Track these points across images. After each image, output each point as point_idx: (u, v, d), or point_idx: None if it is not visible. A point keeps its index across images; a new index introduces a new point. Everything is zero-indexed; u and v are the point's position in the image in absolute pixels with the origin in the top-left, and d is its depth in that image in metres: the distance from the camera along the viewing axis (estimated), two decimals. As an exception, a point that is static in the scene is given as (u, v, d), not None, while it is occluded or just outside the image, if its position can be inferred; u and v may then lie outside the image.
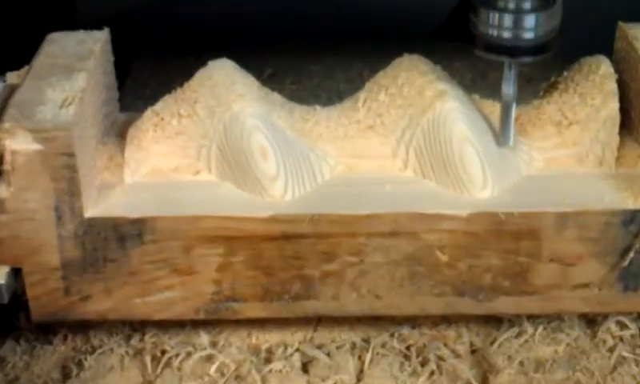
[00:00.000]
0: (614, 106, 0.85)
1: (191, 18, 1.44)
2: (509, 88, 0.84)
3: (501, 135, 0.86)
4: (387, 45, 1.17)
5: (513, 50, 0.80)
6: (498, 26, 0.80)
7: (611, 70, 0.87)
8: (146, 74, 1.34)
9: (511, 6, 0.79)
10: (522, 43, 0.80)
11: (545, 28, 0.80)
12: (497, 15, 0.79)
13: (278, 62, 1.37)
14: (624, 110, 0.87)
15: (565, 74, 0.90)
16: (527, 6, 0.79)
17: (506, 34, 0.80)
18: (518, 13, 0.79)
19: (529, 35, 0.80)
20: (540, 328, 0.94)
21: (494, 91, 1.28)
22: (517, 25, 0.79)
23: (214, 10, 1.44)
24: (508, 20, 0.79)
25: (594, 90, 0.87)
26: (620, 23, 0.92)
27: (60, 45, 0.90)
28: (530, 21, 0.79)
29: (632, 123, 0.89)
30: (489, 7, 0.80)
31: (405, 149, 0.86)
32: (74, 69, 0.85)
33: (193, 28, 1.44)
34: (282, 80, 1.34)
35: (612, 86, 0.86)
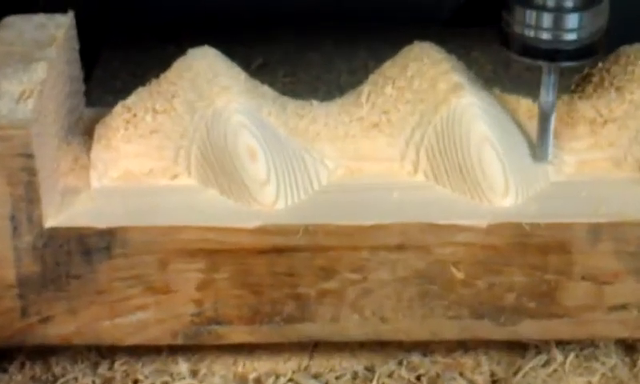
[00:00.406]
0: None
1: (171, 1, 1.45)
2: (547, 96, 0.84)
3: (537, 148, 0.86)
4: (396, 31, 1.18)
5: (552, 53, 0.81)
6: (536, 26, 0.80)
7: (653, 60, 0.88)
8: (116, 64, 1.35)
9: (551, 3, 0.79)
10: (563, 46, 0.80)
11: (589, 29, 0.80)
12: (534, 14, 0.80)
13: (269, 51, 1.38)
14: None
15: (600, 65, 0.91)
16: (569, 3, 0.79)
17: (545, 36, 0.80)
18: (559, 11, 0.80)
19: (571, 37, 0.80)
20: (571, 356, 0.95)
21: (517, 85, 1.30)
22: (557, 25, 0.80)
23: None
24: (547, 19, 0.80)
25: (632, 84, 0.87)
26: None
27: (17, 30, 0.90)
28: (572, 21, 0.80)
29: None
30: (525, 5, 0.80)
31: (415, 150, 0.87)
32: (32, 58, 0.85)
33: (172, 12, 1.44)
34: (274, 71, 1.35)
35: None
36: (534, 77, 1.31)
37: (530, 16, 0.80)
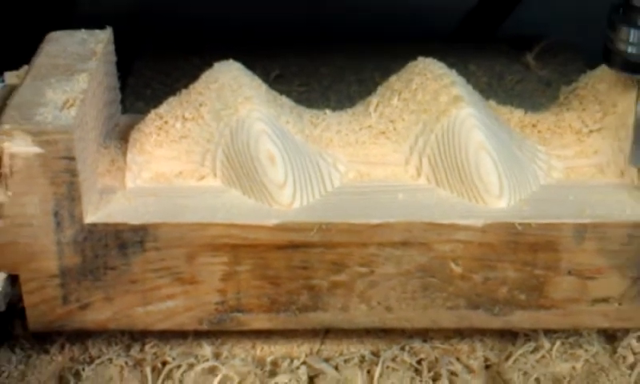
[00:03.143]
0: (637, 113, 0.86)
1: (195, 17, 1.45)
2: None
3: (631, 156, 0.85)
4: (400, 46, 1.18)
5: None
6: (638, 44, 0.80)
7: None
8: (147, 73, 1.35)
9: None
10: None
11: None
12: (637, 33, 0.79)
13: (285, 63, 1.37)
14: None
15: (585, 80, 0.91)
16: None
17: None
18: None
19: None
20: (557, 343, 0.94)
21: (510, 95, 1.30)
22: None
23: (218, 8, 1.44)
24: None
25: (615, 97, 0.87)
26: None
27: (60, 44, 0.90)
28: None
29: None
30: (629, 24, 0.80)
31: (418, 156, 0.87)
32: (75, 70, 0.85)
33: (197, 27, 1.44)
34: (289, 82, 1.34)
35: (634, 93, 0.86)
36: (525, 89, 1.32)
37: (633, 35, 0.80)
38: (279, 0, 1.44)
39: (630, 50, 0.81)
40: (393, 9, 1.43)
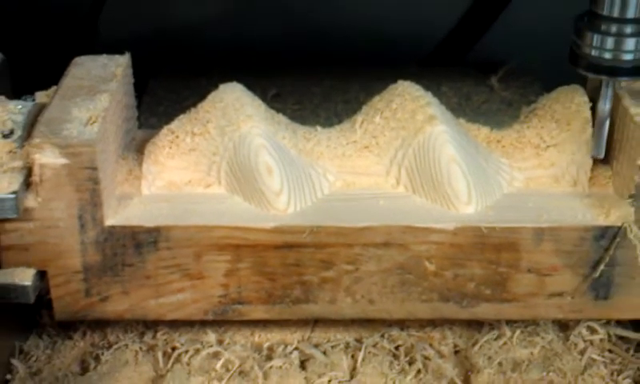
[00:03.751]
0: (588, 131, 0.86)
1: (203, 42, 1.45)
2: (604, 104, 0.83)
3: (594, 147, 0.85)
4: (381, 70, 1.18)
5: (612, 69, 0.80)
6: (601, 47, 0.79)
7: (585, 98, 0.87)
8: (160, 93, 1.34)
9: (613, 30, 0.79)
10: (621, 64, 0.80)
11: None
12: (600, 38, 0.79)
13: (282, 84, 1.37)
14: (596, 135, 0.87)
15: (543, 101, 0.90)
16: (628, 30, 0.79)
17: (607, 55, 0.79)
18: (619, 36, 0.79)
19: (628, 57, 0.79)
20: (518, 331, 0.94)
21: (477, 114, 1.30)
22: (617, 47, 0.79)
23: (224, 35, 1.44)
24: (610, 42, 0.79)
25: (569, 117, 0.87)
26: None
27: (85, 68, 0.90)
28: (630, 44, 0.79)
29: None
30: (593, 30, 0.79)
31: (397, 167, 0.86)
32: (97, 90, 0.85)
33: (204, 51, 1.44)
34: (285, 100, 1.33)
35: (586, 113, 0.86)
36: (489, 108, 1.32)
37: (597, 40, 0.79)
38: (277, 29, 1.44)
39: (593, 52, 0.80)
40: (376, 37, 1.43)
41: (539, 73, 1.38)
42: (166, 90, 1.35)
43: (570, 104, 0.88)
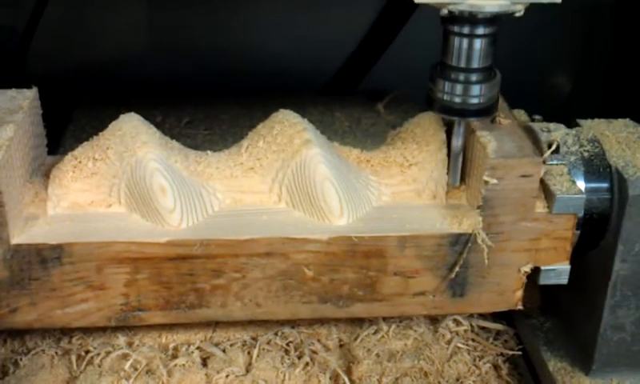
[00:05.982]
0: (444, 151, 0.87)
1: (124, 76, 1.42)
2: (457, 141, 0.84)
3: (450, 177, 0.86)
4: (283, 97, 1.17)
5: (462, 111, 0.82)
6: (451, 92, 0.81)
7: (441, 123, 0.88)
8: (84, 121, 1.32)
9: (461, 78, 0.80)
10: (469, 107, 0.81)
11: (487, 95, 0.81)
12: (451, 85, 0.81)
13: (194, 112, 1.36)
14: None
15: (406, 125, 0.91)
16: (474, 78, 0.80)
17: (457, 99, 0.81)
18: (467, 83, 0.80)
19: (475, 101, 0.81)
20: (393, 326, 0.95)
21: (366, 135, 1.30)
22: (466, 93, 0.81)
23: (143, 69, 1.42)
24: (459, 89, 0.81)
25: (428, 139, 0.88)
26: None
27: None
28: (475, 90, 0.81)
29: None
30: (444, 78, 0.81)
31: (279, 186, 0.86)
32: (4, 121, 0.82)
33: (125, 84, 1.42)
34: (197, 126, 1.32)
35: (442, 136, 0.87)
36: (377, 131, 1.33)
37: (448, 86, 0.81)
38: (190, 64, 1.43)
39: (445, 97, 0.82)
40: (280, 70, 1.43)
41: (419, 99, 1.39)
42: (89, 119, 1.32)
43: (428, 127, 0.89)
